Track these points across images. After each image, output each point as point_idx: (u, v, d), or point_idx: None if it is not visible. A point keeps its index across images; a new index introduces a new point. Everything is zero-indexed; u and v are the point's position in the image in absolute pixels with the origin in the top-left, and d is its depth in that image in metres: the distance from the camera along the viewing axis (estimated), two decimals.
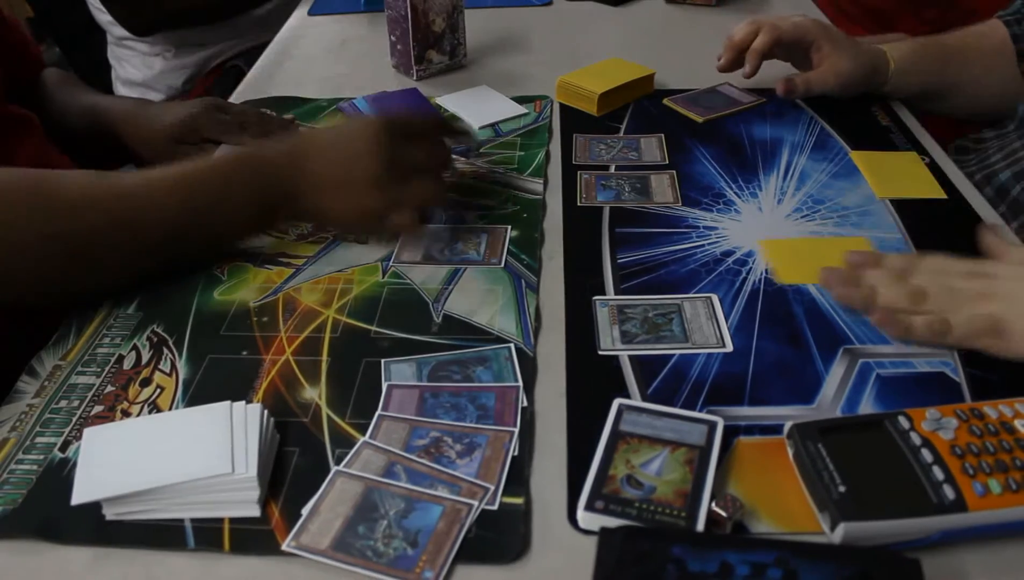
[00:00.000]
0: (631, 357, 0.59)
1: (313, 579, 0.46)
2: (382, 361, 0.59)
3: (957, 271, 0.62)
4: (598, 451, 0.50)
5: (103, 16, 1.49)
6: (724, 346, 0.60)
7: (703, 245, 0.71)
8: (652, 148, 0.86)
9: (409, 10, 0.98)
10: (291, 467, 0.52)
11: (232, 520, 0.48)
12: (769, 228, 0.73)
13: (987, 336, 0.58)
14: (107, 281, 0.65)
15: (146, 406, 0.57)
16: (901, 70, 0.88)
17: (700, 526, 0.46)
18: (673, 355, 0.59)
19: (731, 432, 0.53)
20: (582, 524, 0.48)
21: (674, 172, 0.82)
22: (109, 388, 0.58)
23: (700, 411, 0.54)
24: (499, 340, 0.61)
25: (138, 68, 1.53)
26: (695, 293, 0.65)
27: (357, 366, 0.59)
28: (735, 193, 0.78)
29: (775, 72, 0.92)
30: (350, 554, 0.46)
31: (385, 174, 0.66)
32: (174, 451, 0.49)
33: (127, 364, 0.61)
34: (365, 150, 0.67)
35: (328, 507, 0.49)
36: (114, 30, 1.51)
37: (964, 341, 0.58)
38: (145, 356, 0.61)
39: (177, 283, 0.68)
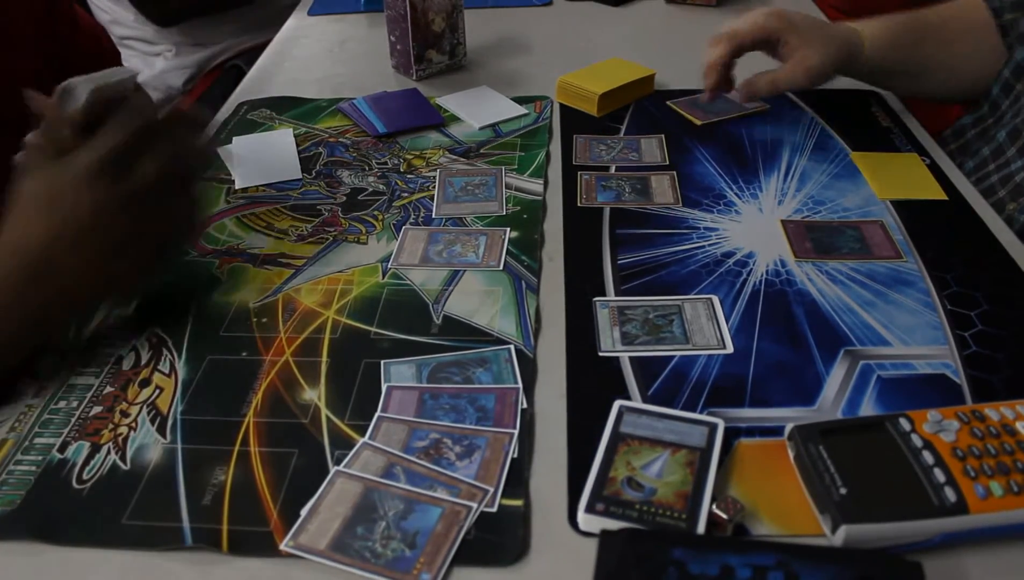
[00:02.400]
0: (631, 358, 0.59)
1: None
2: (382, 362, 0.59)
3: None
4: (598, 453, 0.50)
5: (103, 15, 1.49)
6: (725, 348, 0.60)
7: (704, 246, 0.71)
8: (653, 149, 0.86)
9: (409, 10, 0.98)
10: (290, 468, 0.52)
11: (231, 522, 0.48)
12: (769, 229, 0.73)
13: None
14: None
15: (145, 407, 0.57)
16: (876, 47, 0.83)
17: (701, 528, 0.46)
18: (674, 356, 0.59)
19: (732, 434, 0.53)
20: (582, 526, 0.47)
21: (674, 173, 0.81)
22: (108, 389, 0.58)
23: (701, 413, 0.54)
24: (499, 341, 0.61)
25: (138, 67, 1.53)
26: (696, 294, 0.65)
27: (357, 367, 0.59)
28: (735, 194, 0.78)
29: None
30: (348, 555, 0.46)
31: (121, 227, 0.55)
32: None
33: (126, 365, 0.60)
34: (83, 211, 0.54)
35: (327, 507, 0.48)
36: (115, 29, 1.51)
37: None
38: (144, 357, 0.61)
39: (177, 284, 0.68)
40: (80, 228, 0.54)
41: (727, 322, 0.62)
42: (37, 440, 0.54)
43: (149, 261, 0.59)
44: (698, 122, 0.90)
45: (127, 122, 0.56)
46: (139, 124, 0.57)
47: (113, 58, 1.01)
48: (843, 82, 0.89)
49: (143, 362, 0.61)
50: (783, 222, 0.73)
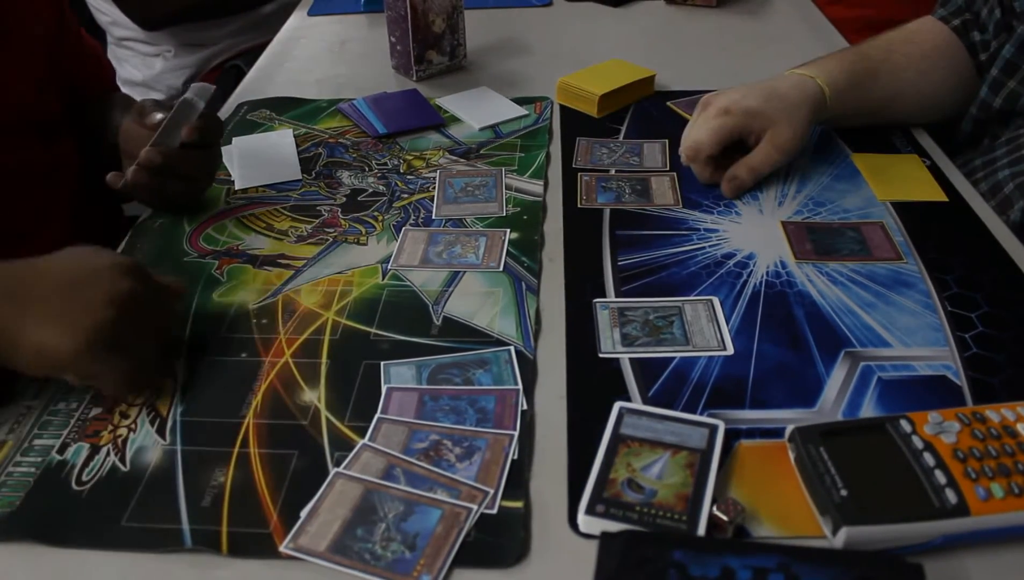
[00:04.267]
0: (632, 360, 0.59)
1: None
2: (382, 363, 0.59)
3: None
4: (599, 455, 0.50)
5: (103, 16, 1.49)
6: (725, 349, 0.60)
7: (704, 248, 0.71)
8: (655, 154, 0.85)
9: (409, 11, 0.98)
10: (290, 469, 0.51)
11: (231, 523, 0.48)
12: (770, 231, 0.73)
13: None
14: None
15: (144, 408, 0.56)
16: (837, 92, 0.80)
17: (701, 530, 0.46)
18: (674, 358, 0.59)
19: (732, 435, 0.53)
20: (583, 528, 0.47)
21: (675, 174, 0.81)
22: None
23: (701, 414, 0.54)
24: (499, 343, 0.61)
25: (138, 68, 1.53)
26: (696, 296, 0.65)
27: (357, 368, 0.59)
28: None
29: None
30: (348, 556, 0.46)
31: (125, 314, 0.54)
32: None
33: None
34: (106, 274, 0.55)
35: (327, 509, 0.48)
36: (114, 30, 1.51)
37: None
38: None
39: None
40: (90, 274, 0.55)
41: (727, 323, 0.62)
42: (36, 441, 0.54)
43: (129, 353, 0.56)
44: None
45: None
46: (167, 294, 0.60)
47: (111, 72, 1.01)
48: None
49: None
50: (783, 223, 0.73)
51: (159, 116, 0.73)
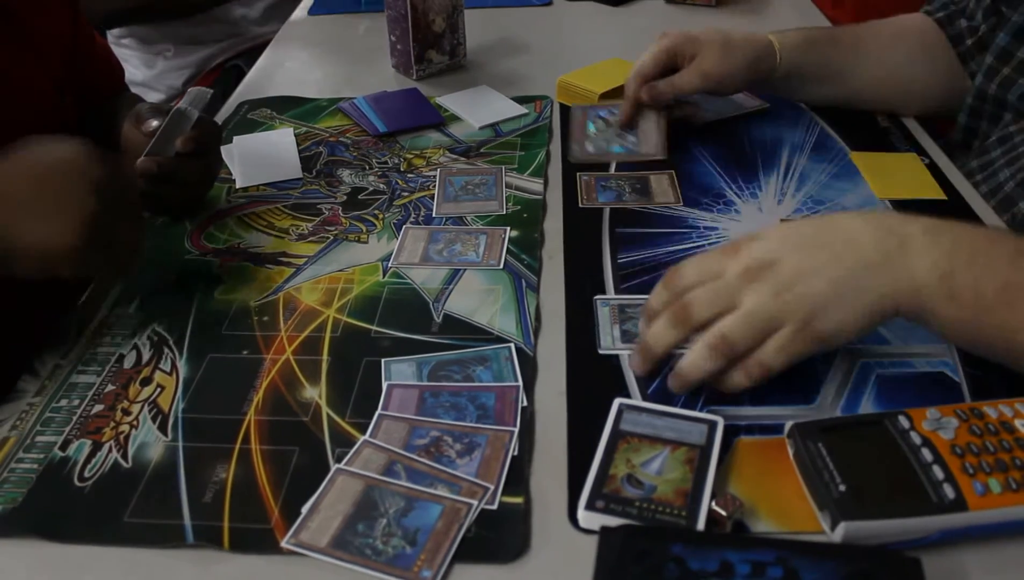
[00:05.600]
0: (632, 357, 0.59)
1: (311, 577, 0.46)
2: (382, 361, 0.59)
3: (728, 276, 0.54)
4: (598, 450, 0.50)
5: None
6: None
7: (703, 245, 0.71)
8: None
9: (409, 10, 0.98)
10: (291, 466, 0.52)
11: (232, 519, 0.48)
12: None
13: (800, 339, 0.52)
14: None
15: (146, 405, 0.57)
16: (789, 49, 0.83)
17: (700, 525, 0.46)
18: (673, 355, 0.59)
19: (731, 432, 0.53)
20: (582, 523, 0.48)
21: (673, 172, 0.82)
22: (109, 387, 0.58)
23: (700, 411, 0.54)
24: (499, 340, 0.61)
25: (138, 68, 1.54)
26: None
27: (357, 365, 0.59)
28: (735, 193, 0.78)
29: None
30: (349, 552, 0.46)
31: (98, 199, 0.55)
32: None
33: (127, 363, 0.61)
34: (73, 163, 0.56)
35: (328, 505, 0.49)
36: (112, 29, 1.51)
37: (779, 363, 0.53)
38: (146, 355, 0.61)
39: (178, 283, 0.68)
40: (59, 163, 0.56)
41: None
42: (39, 438, 0.55)
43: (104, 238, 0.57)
44: (699, 122, 0.90)
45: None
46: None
47: (121, 72, 1.01)
48: None
49: (144, 361, 0.61)
50: (782, 221, 0.74)
51: (155, 123, 0.73)
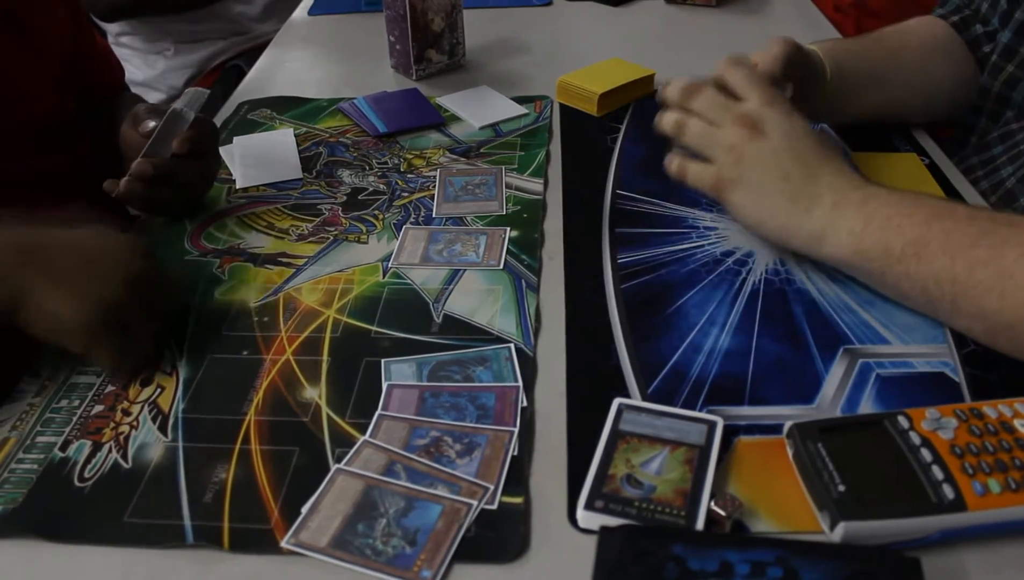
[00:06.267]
0: (632, 357, 0.59)
1: (311, 577, 0.46)
2: (382, 361, 0.59)
3: (737, 110, 0.65)
4: (598, 450, 0.50)
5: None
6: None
7: (703, 245, 0.71)
8: None
9: (408, 9, 0.98)
10: (291, 466, 0.52)
11: (232, 519, 0.48)
12: None
13: (708, 191, 0.65)
14: None
15: (146, 406, 0.57)
16: (831, 58, 0.78)
17: (700, 525, 0.46)
18: (673, 354, 0.59)
19: (731, 432, 0.53)
20: (582, 523, 0.48)
21: None
22: (109, 388, 0.59)
23: (700, 411, 0.54)
24: (499, 340, 0.61)
25: (139, 68, 1.54)
26: (695, 293, 0.65)
27: (357, 366, 0.59)
28: None
29: None
30: (349, 552, 0.46)
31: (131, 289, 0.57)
32: None
33: None
34: (117, 252, 0.58)
35: (328, 505, 0.49)
36: (112, 27, 1.52)
37: (696, 189, 0.66)
38: None
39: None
40: (105, 250, 0.58)
41: (727, 320, 0.62)
42: (39, 439, 0.55)
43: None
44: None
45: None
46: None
47: (120, 72, 1.01)
48: None
49: None
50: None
51: (151, 124, 0.73)
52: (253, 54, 1.23)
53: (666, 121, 0.69)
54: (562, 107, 0.95)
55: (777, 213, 0.63)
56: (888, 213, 0.59)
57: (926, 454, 0.47)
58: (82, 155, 0.86)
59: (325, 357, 0.60)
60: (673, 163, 0.68)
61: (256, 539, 0.47)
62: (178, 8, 1.48)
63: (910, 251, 0.57)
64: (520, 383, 0.57)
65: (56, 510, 0.50)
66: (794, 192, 0.62)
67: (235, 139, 0.91)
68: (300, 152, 0.88)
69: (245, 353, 0.61)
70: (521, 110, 0.94)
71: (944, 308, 0.58)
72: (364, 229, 0.75)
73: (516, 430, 0.54)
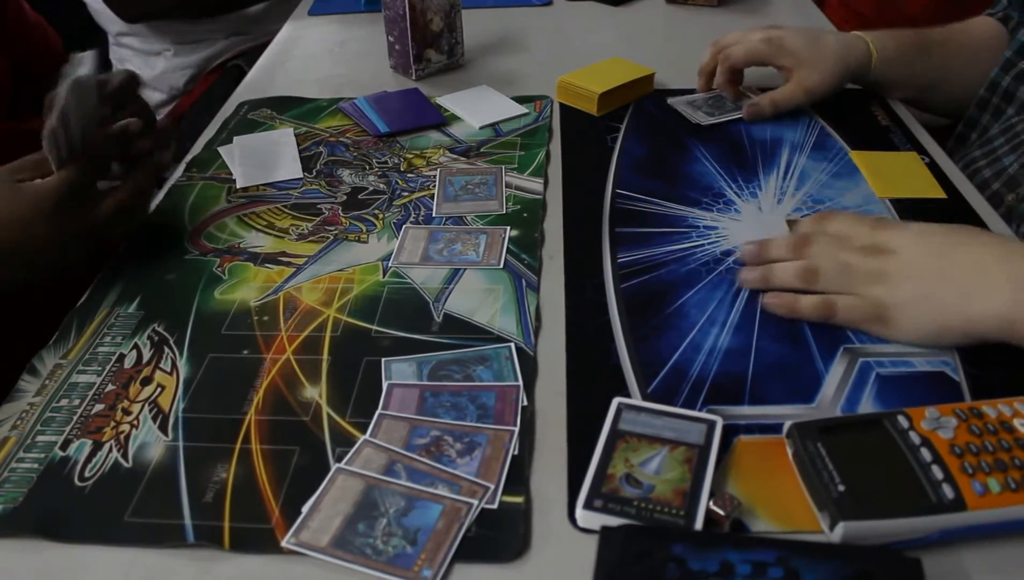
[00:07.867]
0: (632, 356, 0.59)
1: (312, 577, 0.46)
2: (382, 360, 0.60)
3: (857, 244, 0.61)
4: (597, 450, 0.50)
5: (100, 16, 1.49)
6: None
7: (703, 245, 0.71)
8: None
9: (407, 9, 0.98)
10: (291, 466, 0.52)
11: (233, 519, 0.49)
12: (769, 228, 0.73)
13: (869, 322, 0.59)
14: None
15: (147, 405, 0.57)
16: (885, 59, 0.87)
17: (699, 525, 0.46)
18: (673, 354, 0.59)
19: (731, 431, 0.53)
20: (581, 522, 0.48)
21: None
22: (110, 387, 0.59)
23: (700, 410, 0.54)
24: (499, 339, 0.61)
25: (139, 68, 1.53)
26: (695, 293, 0.65)
27: (358, 365, 0.59)
28: (735, 193, 0.78)
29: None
30: (349, 551, 0.46)
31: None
32: None
33: (128, 363, 0.61)
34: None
35: (328, 504, 0.49)
36: (112, 27, 1.51)
37: (848, 325, 0.60)
38: (146, 355, 0.61)
39: (178, 282, 0.68)
40: (24, 251, 0.62)
41: (727, 320, 0.62)
42: (39, 438, 0.55)
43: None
44: (701, 123, 0.91)
45: (94, 156, 0.65)
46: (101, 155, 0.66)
47: (58, 45, 1.01)
48: None
49: (145, 360, 0.61)
50: (786, 220, 0.74)
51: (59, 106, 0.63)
52: (253, 54, 1.23)
53: (786, 278, 0.63)
54: (562, 107, 0.95)
55: (948, 310, 0.57)
56: None
57: (926, 454, 0.47)
58: (37, 126, 0.85)
59: (325, 356, 0.60)
60: (776, 300, 0.62)
61: (257, 539, 0.48)
62: (206, 12, 1.48)
63: None
64: (520, 382, 0.57)
65: (56, 509, 0.50)
66: (957, 284, 0.57)
67: (235, 139, 0.91)
68: (300, 152, 0.88)
69: (245, 352, 0.61)
70: (521, 110, 0.94)
71: None
72: (364, 228, 0.75)
73: (516, 429, 0.54)
